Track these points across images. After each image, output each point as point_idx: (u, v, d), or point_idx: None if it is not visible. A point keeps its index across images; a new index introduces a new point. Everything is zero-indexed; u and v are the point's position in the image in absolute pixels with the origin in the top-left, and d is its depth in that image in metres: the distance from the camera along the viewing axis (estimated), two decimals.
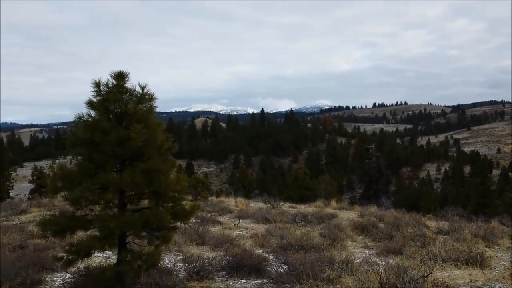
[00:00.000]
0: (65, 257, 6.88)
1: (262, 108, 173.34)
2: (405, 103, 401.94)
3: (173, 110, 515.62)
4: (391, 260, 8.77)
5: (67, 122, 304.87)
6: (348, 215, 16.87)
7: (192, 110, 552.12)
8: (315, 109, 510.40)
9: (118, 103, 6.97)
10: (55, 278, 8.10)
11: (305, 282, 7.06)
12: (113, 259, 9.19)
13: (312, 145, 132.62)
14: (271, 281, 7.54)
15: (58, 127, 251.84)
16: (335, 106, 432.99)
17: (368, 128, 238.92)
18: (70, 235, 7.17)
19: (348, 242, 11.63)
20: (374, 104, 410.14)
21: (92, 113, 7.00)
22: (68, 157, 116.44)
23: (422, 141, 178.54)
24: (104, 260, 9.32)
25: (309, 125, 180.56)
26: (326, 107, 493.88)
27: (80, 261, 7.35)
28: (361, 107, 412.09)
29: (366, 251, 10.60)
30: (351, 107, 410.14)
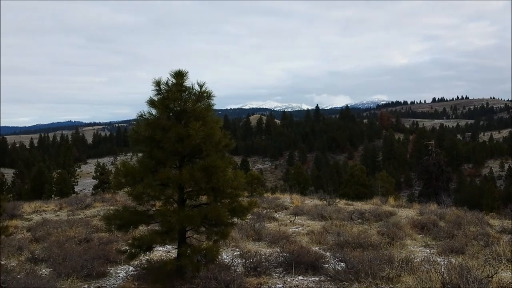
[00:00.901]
0: (128, 250, 7.15)
1: (317, 105, 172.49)
2: (466, 98, 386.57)
3: (228, 108, 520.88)
4: (453, 260, 8.49)
5: (127, 120, 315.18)
6: (406, 213, 16.47)
7: (247, 107, 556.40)
8: (372, 105, 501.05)
9: (178, 101, 7.17)
10: (118, 271, 8.41)
11: (364, 280, 6.97)
12: (173, 253, 9.45)
13: (368, 142, 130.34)
14: (329, 278, 7.50)
15: (119, 125, 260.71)
16: (392, 102, 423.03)
17: (427, 123, 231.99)
18: (133, 229, 7.45)
19: (407, 240, 11.36)
20: (434, 99, 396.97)
21: (153, 111, 7.23)
22: (128, 154, 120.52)
23: (484, 136, 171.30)
24: (164, 254, 9.58)
25: (365, 121, 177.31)
26: (382, 102, 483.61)
27: (142, 255, 7.62)
28: (420, 102, 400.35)
29: (427, 250, 10.33)
30: (409, 102, 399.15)
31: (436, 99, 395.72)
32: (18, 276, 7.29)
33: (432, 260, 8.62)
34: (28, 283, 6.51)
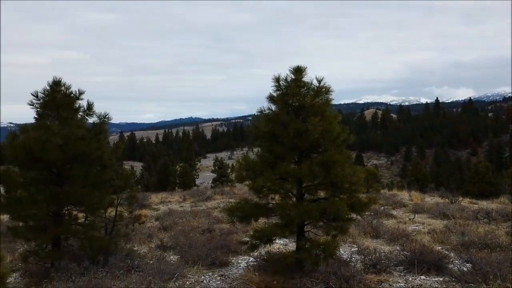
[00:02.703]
0: (249, 241, 7.43)
1: (437, 98, 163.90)
2: None
3: (342, 102, 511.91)
4: None
5: (244, 116, 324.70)
6: None
7: (361, 101, 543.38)
8: (497, 97, 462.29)
9: (296, 96, 7.26)
10: (239, 261, 8.75)
11: (492, 282, 6.54)
12: (290, 246, 9.63)
13: (493, 137, 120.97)
14: (454, 279, 7.14)
15: (236, 121, 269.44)
16: None
17: None
18: (253, 221, 7.72)
19: None
20: None
21: (272, 106, 7.41)
22: (244, 149, 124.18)
23: None
24: (282, 247, 9.78)
25: (490, 114, 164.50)
26: (509, 95, 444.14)
27: (262, 246, 7.86)
28: None
29: None
30: None
31: None
32: (150, 262, 7.92)
33: None
34: (160, 268, 7.05)
